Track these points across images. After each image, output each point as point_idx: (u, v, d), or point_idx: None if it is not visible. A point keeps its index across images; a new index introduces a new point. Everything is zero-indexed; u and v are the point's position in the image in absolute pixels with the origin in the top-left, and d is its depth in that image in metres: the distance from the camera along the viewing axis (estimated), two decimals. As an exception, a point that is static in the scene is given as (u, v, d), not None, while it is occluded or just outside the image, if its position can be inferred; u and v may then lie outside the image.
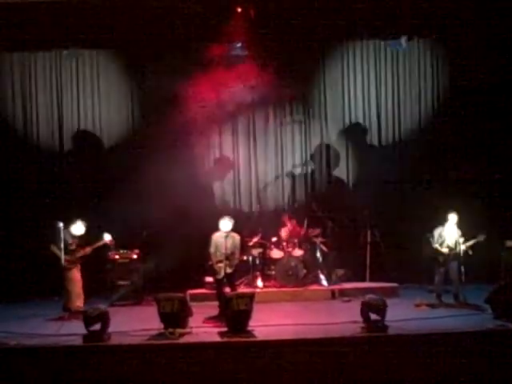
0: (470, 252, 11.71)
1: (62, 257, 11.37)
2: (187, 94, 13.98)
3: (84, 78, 14.72)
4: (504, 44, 14.06)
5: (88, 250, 11.83)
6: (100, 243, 12.00)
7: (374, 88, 15.05)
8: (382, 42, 14.78)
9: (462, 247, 11.68)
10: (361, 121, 15.06)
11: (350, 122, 15.07)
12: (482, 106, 14.36)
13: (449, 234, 11.88)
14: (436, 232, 12.01)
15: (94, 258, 12.26)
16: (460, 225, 11.90)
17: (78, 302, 11.52)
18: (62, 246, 11.24)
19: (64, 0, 12.92)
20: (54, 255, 11.51)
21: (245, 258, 13.35)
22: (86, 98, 14.72)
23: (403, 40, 14.54)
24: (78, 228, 11.80)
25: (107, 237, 12.01)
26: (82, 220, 11.88)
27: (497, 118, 14.35)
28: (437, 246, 11.88)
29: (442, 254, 11.81)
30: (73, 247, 11.69)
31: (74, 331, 9.90)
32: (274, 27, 13.85)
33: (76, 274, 11.67)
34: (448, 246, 11.80)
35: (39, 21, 13.15)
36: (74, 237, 11.75)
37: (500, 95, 14.34)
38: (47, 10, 12.93)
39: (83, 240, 11.84)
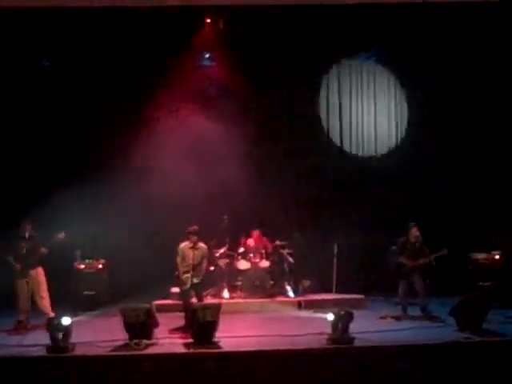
0: (434, 263, 11.81)
1: (16, 266, 11.33)
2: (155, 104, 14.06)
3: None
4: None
5: (44, 250, 11.50)
6: (54, 240, 11.58)
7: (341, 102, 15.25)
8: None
9: (426, 259, 11.78)
10: (336, 138, 15.23)
11: (326, 137, 15.22)
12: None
13: (411, 246, 11.95)
14: (399, 244, 12.08)
15: (59, 268, 12.16)
16: (425, 237, 12.01)
17: (21, 316, 11.30)
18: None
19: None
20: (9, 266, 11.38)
21: (211, 268, 13.33)
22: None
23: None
24: (25, 231, 11.54)
25: (60, 233, 11.62)
26: (27, 221, 11.62)
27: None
28: (400, 257, 11.95)
29: (405, 265, 11.88)
30: (24, 251, 11.46)
31: (37, 342, 9.79)
32: (242, 38, 13.92)
33: (23, 287, 11.38)
34: (411, 258, 11.86)
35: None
36: (23, 241, 11.51)
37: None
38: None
39: (34, 242, 11.54)
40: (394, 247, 12.70)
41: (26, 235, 11.55)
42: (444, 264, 11.95)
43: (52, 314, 10.96)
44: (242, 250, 14.00)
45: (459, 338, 9.89)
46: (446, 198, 14.53)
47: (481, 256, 13.48)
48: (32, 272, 11.48)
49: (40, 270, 11.58)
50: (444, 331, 10.52)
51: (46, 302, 11.49)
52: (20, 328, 11.12)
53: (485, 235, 13.85)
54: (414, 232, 11.93)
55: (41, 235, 11.66)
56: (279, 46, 14.28)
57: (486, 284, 13.08)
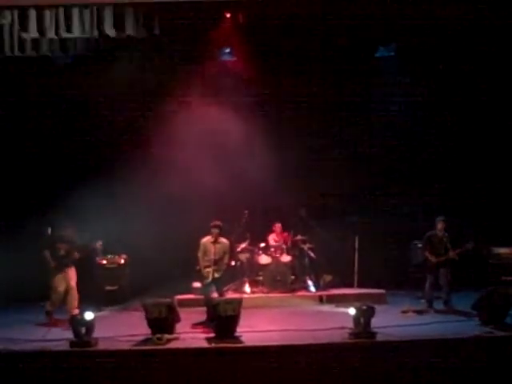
0: (457, 258, 11.76)
1: (51, 263, 11.43)
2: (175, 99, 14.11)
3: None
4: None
5: (76, 255, 11.65)
6: (90, 248, 11.90)
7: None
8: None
9: (451, 254, 11.73)
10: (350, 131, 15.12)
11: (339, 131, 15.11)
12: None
13: (438, 241, 11.92)
14: (426, 238, 12.06)
15: (82, 263, 12.22)
16: (448, 231, 11.95)
17: (49, 307, 11.49)
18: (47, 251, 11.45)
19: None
20: (43, 261, 11.50)
21: (233, 263, 13.35)
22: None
23: None
24: (67, 232, 11.70)
25: (96, 242, 11.90)
26: (70, 225, 11.77)
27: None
28: (426, 252, 11.92)
29: (431, 260, 11.84)
30: (62, 253, 11.61)
31: (60, 336, 9.87)
32: (262, 33, 13.87)
33: (59, 281, 11.50)
34: (437, 253, 11.83)
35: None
36: (63, 242, 11.64)
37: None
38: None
39: (72, 245, 11.66)
40: (416, 242, 12.69)
41: (66, 238, 11.67)
42: (466, 258, 11.90)
43: (77, 311, 11.03)
44: (263, 244, 14.00)
45: (482, 332, 9.83)
46: (468, 191, 14.40)
47: (503, 250, 13.39)
48: (64, 272, 11.60)
49: (72, 270, 11.71)
50: (467, 325, 10.47)
51: (74, 300, 11.56)
52: (52, 321, 11.31)
53: (507, 229, 13.75)
54: (441, 226, 11.91)
55: (77, 240, 11.74)
56: (299, 40, 14.21)
57: (508, 278, 12.97)
